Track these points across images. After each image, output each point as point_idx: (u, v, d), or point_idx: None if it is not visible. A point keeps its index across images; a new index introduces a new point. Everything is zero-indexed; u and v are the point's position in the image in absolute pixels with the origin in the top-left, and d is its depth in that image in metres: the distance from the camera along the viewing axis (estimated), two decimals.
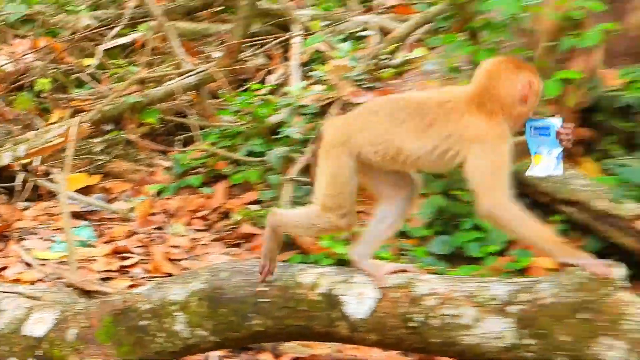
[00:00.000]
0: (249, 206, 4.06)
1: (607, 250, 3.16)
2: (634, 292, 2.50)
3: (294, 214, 2.44)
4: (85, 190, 4.38)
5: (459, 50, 3.48)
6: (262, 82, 4.95)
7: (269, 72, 5.07)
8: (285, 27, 5.22)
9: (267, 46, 5.28)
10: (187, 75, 4.73)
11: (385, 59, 4.62)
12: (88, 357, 2.52)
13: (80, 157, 4.57)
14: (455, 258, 3.39)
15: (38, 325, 2.61)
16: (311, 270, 2.37)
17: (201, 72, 4.66)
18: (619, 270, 2.30)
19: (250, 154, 4.24)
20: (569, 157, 3.30)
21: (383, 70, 4.52)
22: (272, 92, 4.66)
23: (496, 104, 2.13)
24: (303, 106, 4.26)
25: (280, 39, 5.22)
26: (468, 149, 2.08)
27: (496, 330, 2.01)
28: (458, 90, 2.28)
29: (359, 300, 2.20)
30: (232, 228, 3.97)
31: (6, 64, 5.35)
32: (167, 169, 4.50)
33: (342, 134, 2.22)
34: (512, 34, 3.50)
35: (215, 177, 4.32)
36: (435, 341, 2.10)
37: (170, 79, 4.81)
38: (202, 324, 2.43)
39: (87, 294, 3.11)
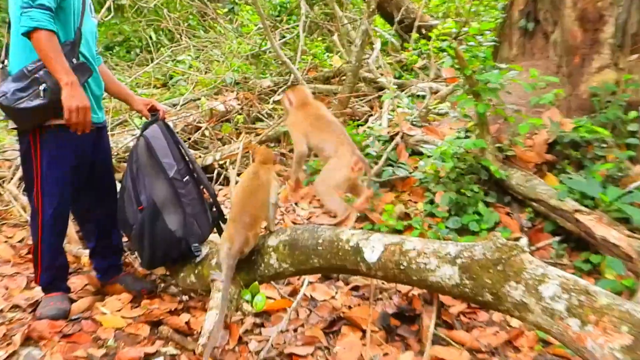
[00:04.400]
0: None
1: (557, 231, 3.63)
2: (571, 260, 3.17)
3: None
4: None
5: (469, 104, 3.91)
6: (366, 121, 5.37)
7: (371, 115, 5.58)
8: (381, 88, 5.91)
9: (369, 99, 5.91)
10: None
11: (432, 109, 5.04)
12: None
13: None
14: (463, 231, 3.79)
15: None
16: (347, 231, 2.67)
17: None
18: (524, 240, 2.95)
19: None
20: (539, 172, 3.81)
21: (430, 115, 4.96)
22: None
23: None
24: (380, 135, 4.85)
25: (375, 95, 5.88)
26: None
27: (448, 273, 2.33)
28: None
29: (372, 250, 2.54)
30: None
31: (218, 105, 6.16)
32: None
33: None
34: (498, 95, 3.94)
35: None
36: (415, 278, 2.44)
37: None
38: (285, 260, 2.80)
39: None
